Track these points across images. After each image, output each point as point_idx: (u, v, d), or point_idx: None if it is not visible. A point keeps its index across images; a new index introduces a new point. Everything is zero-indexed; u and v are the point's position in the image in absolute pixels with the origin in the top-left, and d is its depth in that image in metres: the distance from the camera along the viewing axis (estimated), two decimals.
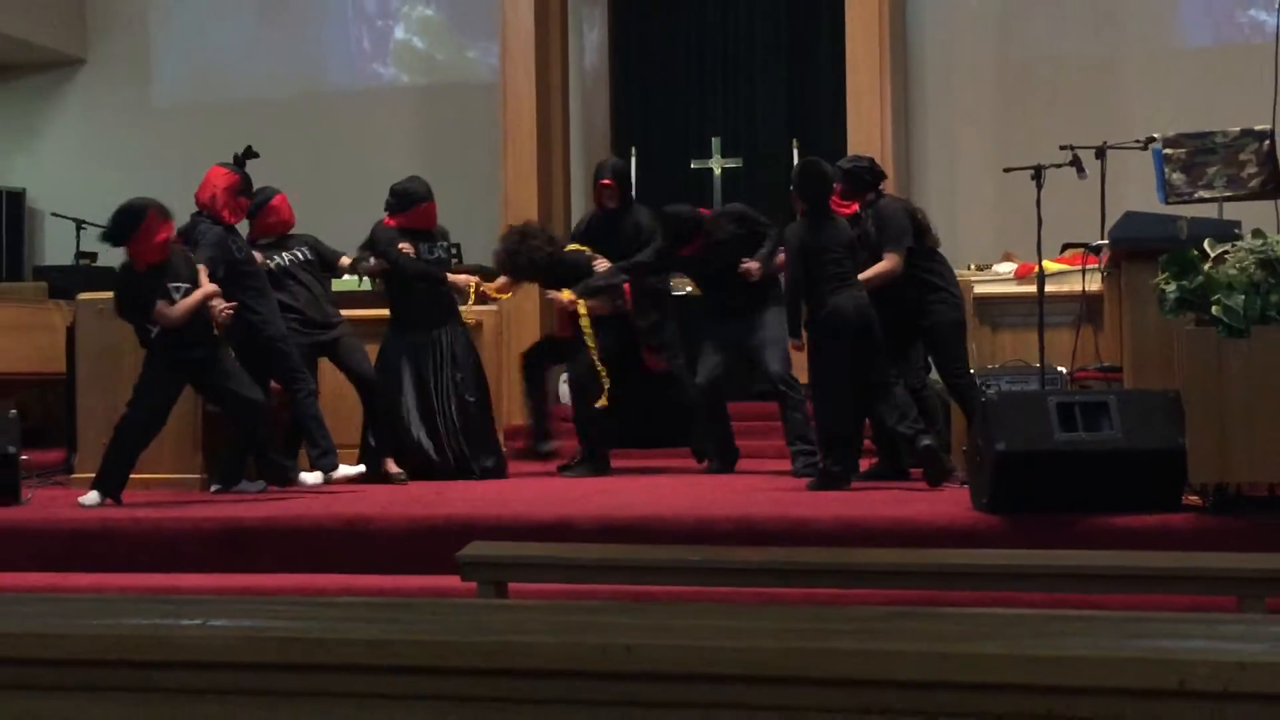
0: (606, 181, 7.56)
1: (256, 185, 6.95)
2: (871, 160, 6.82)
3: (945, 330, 6.41)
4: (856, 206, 6.59)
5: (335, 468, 6.42)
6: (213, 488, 6.55)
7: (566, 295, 7.18)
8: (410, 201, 7.18)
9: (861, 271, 6.33)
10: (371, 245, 7.15)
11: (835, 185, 6.53)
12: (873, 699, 1.55)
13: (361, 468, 6.71)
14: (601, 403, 7.09)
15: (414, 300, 7.14)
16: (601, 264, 7.24)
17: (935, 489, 5.94)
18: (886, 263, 6.37)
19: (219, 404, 6.30)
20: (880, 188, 6.65)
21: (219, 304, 6.16)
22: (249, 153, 6.70)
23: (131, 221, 6.02)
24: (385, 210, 7.23)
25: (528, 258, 7.21)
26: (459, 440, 7.10)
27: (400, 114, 11.75)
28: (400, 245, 7.07)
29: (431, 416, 7.09)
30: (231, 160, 6.69)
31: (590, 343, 7.11)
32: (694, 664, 1.59)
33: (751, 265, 6.99)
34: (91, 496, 5.93)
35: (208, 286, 6.14)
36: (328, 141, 11.62)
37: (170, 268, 6.08)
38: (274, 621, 1.82)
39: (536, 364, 7.53)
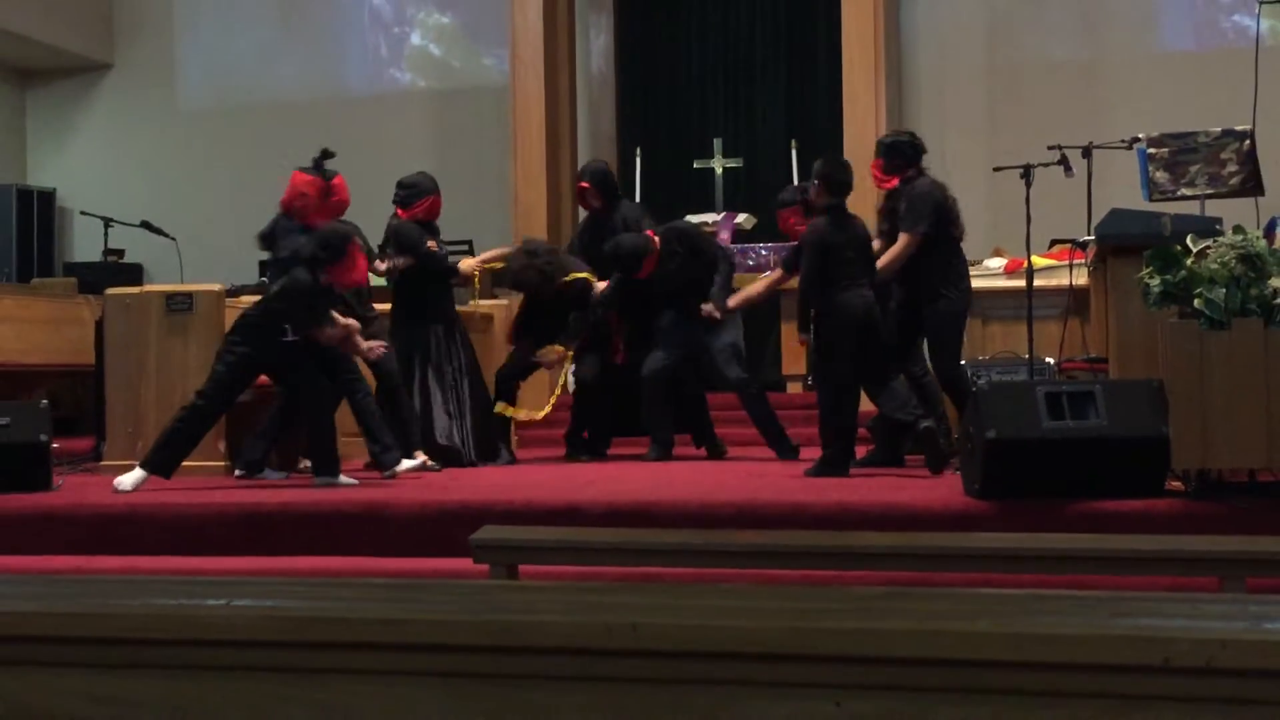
0: (583, 184, 7.74)
1: (277, 186, 7.08)
2: (912, 135, 6.78)
3: (948, 321, 6.45)
4: (896, 181, 6.56)
5: (398, 463, 6.46)
6: (236, 473, 6.64)
7: (556, 352, 7.40)
8: (420, 194, 7.32)
9: (875, 264, 6.36)
10: (398, 242, 7.24)
11: (875, 160, 6.55)
12: (870, 675, 1.56)
13: (421, 459, 6.69)
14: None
15: (429, 294, 7.26)
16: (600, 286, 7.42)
17: (936, 476, 6.01)
18: (900, 243, 6.42)
19: (293, 394, 6.43)
20: (920, 166, 6.62)
21: (369, 343, 6.45)
22: (326, 154, 6.75)
23: (342, 244, 6.27)
24: (395, 204, 7.33)
25: (538, 272, 7.32)
26: (481, 429, 7.26)
27: (414, 117, 11.89)
28: (429, 242, 7.22)
29: (453, 407, 7.22)
30: (311, 164, 6.74)
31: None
32: (698, 642, 1.60)
33: (708, 309, 7.14)
34: (133, 476, 5.99)
35: (353, 324, 6.39)
36: (345, 144, 11.65)
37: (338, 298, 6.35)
38: (294, 601, 1.82)
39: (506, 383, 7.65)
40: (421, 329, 7.27)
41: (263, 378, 6.49)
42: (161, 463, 6.08)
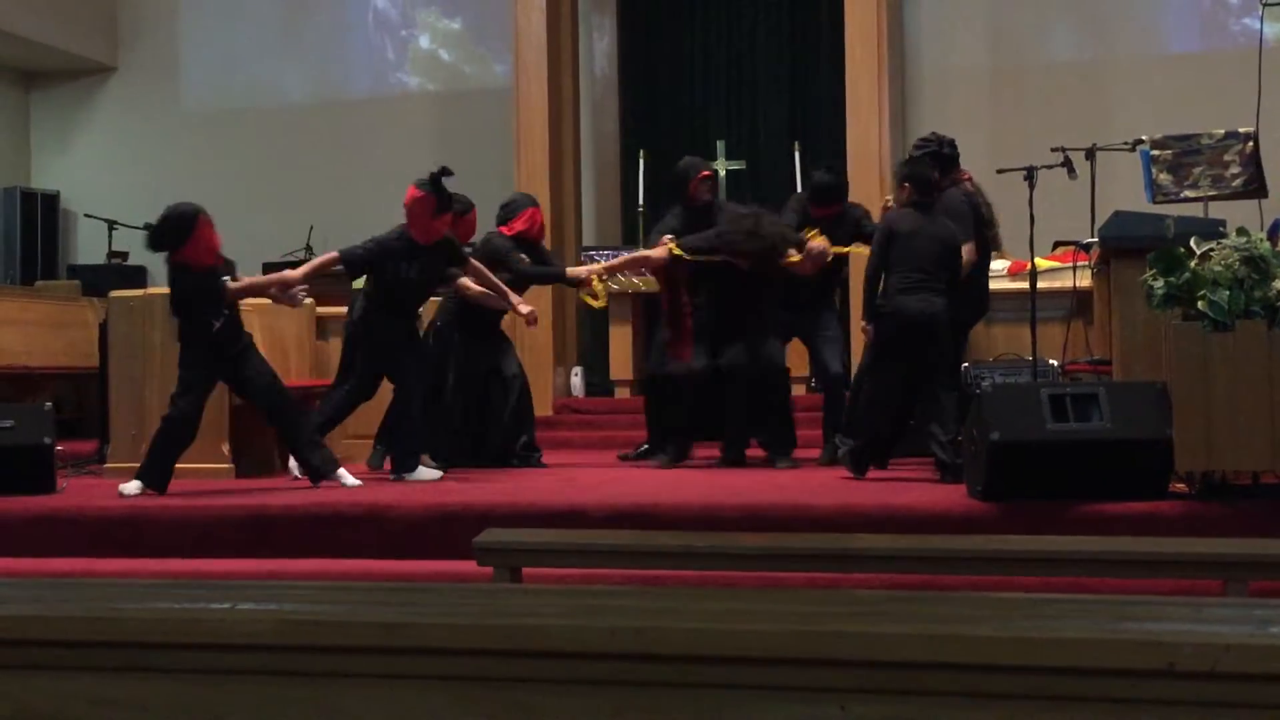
0: (705, 173, 7.49)
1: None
2: (938, 139, 6.65)
3: (957, 329, 6.45)
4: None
5: (414, 469, 6.45)
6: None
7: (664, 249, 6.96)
8: (516, 210, 7.41)
9: (953, 278, 6.17)
10: (493, 255, 7.20)
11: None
12: (874, 679, 1.56)
13: (440, 473, 6.61)
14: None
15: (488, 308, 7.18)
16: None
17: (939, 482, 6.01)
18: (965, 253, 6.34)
19: (246, 393, 6.35)
20: (955, 175, 6.55)
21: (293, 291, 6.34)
22: (444, 172, 6.63)
23: (185, 226, 6.14)
24: (498, 221, 7.41)
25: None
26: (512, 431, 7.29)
27: (417, 119, 11.90)
28: (520, 256, 7.26)
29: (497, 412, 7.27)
30: (427, 180, 6.62)
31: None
32: (701, 646, 1.61)
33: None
34: (132, 486, 5.99)
35: (282, 275, 6.32)
36: (349, 146, 11.79)
37: (221, 271, 6.22)
38: (298, 605, 1.83)
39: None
40: (480, 340, 7.27)
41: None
42: (155, 478, 6.05)
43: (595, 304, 7.49)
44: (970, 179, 6.71)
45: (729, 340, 6.92)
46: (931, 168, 6.36)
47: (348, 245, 6.85)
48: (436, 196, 6.52)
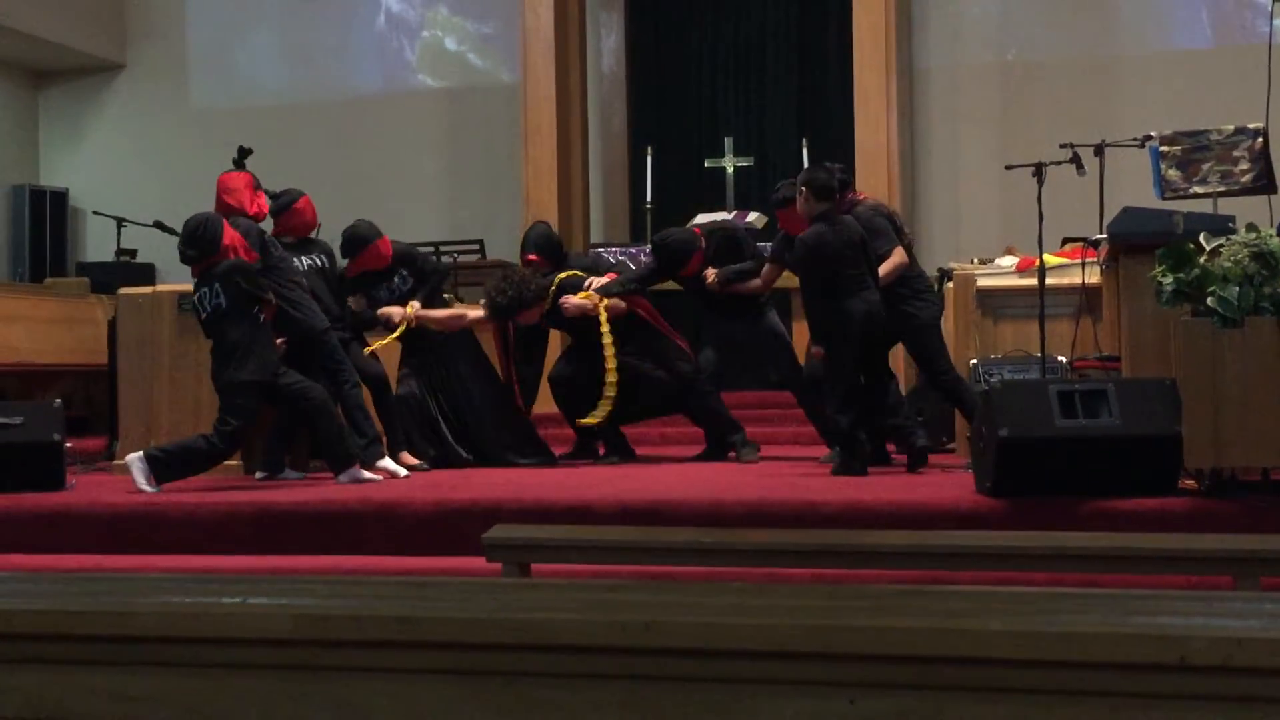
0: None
1: (290, 186, 7.12)
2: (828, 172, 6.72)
3: (929, 329, 6.65)
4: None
5: (381, 456, 6.49)
6: (258, 474, 6.64)
7: (585, 296, 7.20)
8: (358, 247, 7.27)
9: (873, 263, 6.37)
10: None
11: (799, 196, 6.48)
12: (884, 673, 1.55)
13: (405, 471, 6.66)
14: (594, 419, 7.14)
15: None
16: (596, 281, 7.28)
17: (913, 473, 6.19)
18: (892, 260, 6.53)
19: (284, 403, 6.41)
20: (853, 195, 6.81)
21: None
22: (245, 151, 6.77)
23: (216, 228, 6.25)
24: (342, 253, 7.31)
25: (513, 296, 7.16)
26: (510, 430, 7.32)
27: (426, 116, 11.92)
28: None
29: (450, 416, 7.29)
30: (232, 163, 6.74)
31: (608, 346, 7.10)
32: (710, 640, 1.60)
33: (710, 273, 7.18)
34: (138, 470, 6.00)
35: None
36: (356, 142, 11.80)
37: None
38: (309, 599, 1.83)
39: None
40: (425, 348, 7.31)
41: None
42: (168, 476, 6.07)
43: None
44: (866, 196, 7.01)
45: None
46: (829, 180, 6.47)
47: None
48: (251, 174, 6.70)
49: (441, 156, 11.53)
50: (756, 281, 7.22)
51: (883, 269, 6.45)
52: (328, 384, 6.52)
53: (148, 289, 7.47)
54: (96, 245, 12.23)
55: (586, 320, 7.23)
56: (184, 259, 6.29)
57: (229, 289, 6.14)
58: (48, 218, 12.24)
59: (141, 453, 6.10)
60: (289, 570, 4.98)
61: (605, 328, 7.14)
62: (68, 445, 6.37)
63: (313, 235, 7.27)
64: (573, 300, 7.22)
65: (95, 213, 11.40)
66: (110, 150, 12.68)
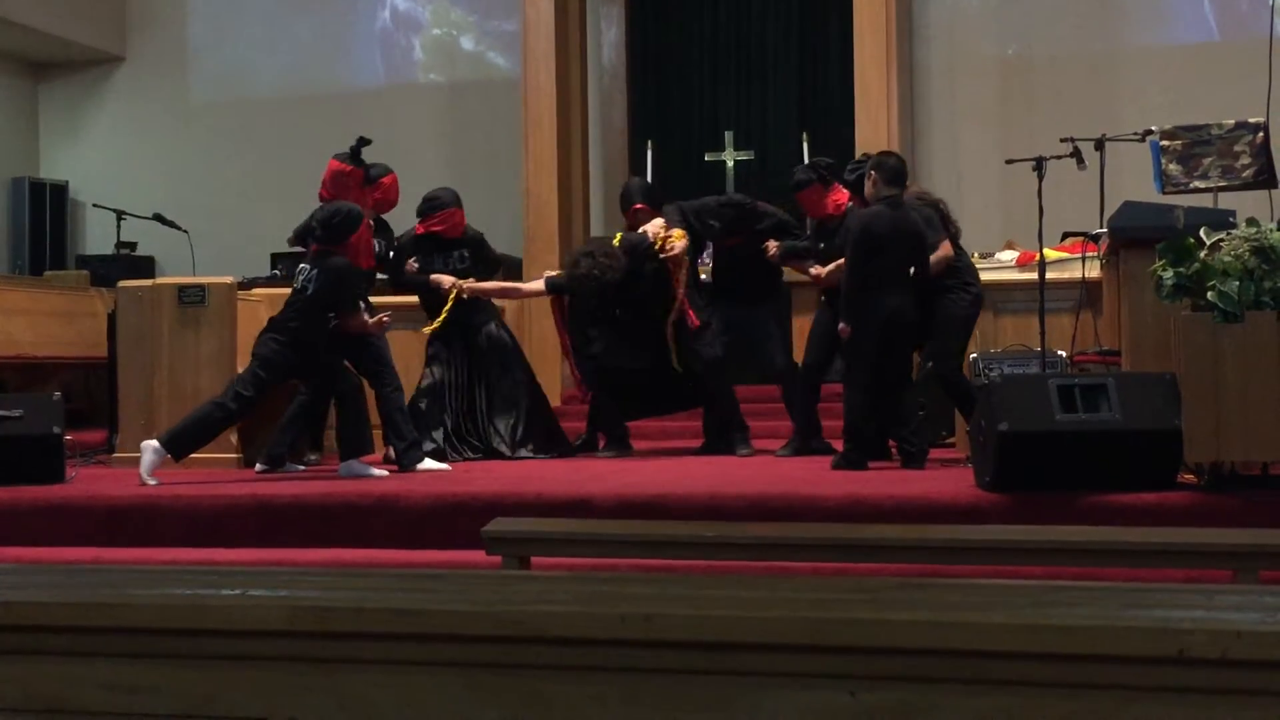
0: (638, 206, 7.57)
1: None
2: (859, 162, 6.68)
3: (967, 323, 6.53)
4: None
5: (421, 459, 6.49)
6: (258, 467, 6.64)
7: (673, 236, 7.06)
8: (437, 208, 7.40)
9: (918, 271, 6.23)
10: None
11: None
12: (884, 666, 1.56)
13: (448, 465, 6.69)
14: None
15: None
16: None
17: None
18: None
19: (321, 388, 6.47)
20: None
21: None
22: (362, 141, 6.68)
23: (355, 220, 6.29)
24: (417, 215, 7.37)
25: (591, 275, 7.10)
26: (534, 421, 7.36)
27: (426, 109, 11.91)
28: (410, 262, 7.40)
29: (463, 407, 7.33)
30: (347, 153, 6.69)
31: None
32: (710, 632, 1.60)
33: (770, 245, 7.16)
34: (151, 453, 6.01)
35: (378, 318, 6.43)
36: (358, 135, 11.78)
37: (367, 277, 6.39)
38: (309, 592, 1.83)
39: None
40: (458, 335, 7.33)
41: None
42: (179, 448, 6.11)
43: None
44: (911, 185, 6.75)
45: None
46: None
47: None
48: (361, 168, 6.68)
49: (442, 150, 11.51)
50: (816, 268, 7.05)
51: (932, 259, 6.34)
52: (371, 384, 6.57)
53: (148, 282, 7.48)
54: (96, 238, 12.22)
55: (657, 292, 7.16)
56: (310, 235, 6.34)
57: (322, 285, 6.21)
58: (47, 210, 12.24)
59: (156, 440, 6.09)
60: (289, 563, 4.99)
61: (682, 274, 7.11)
62: (67, 438, 6.37)
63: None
64: (670, 241, 7.07)
65: (95, 205, 11.40)
66: (110, 143, 12.67)
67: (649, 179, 10.54)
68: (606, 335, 7.33)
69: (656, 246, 7.09)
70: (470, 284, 7.29)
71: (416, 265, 7.34)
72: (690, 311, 7.19)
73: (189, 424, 6.16)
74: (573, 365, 7.42)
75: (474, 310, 7.37)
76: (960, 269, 6.49)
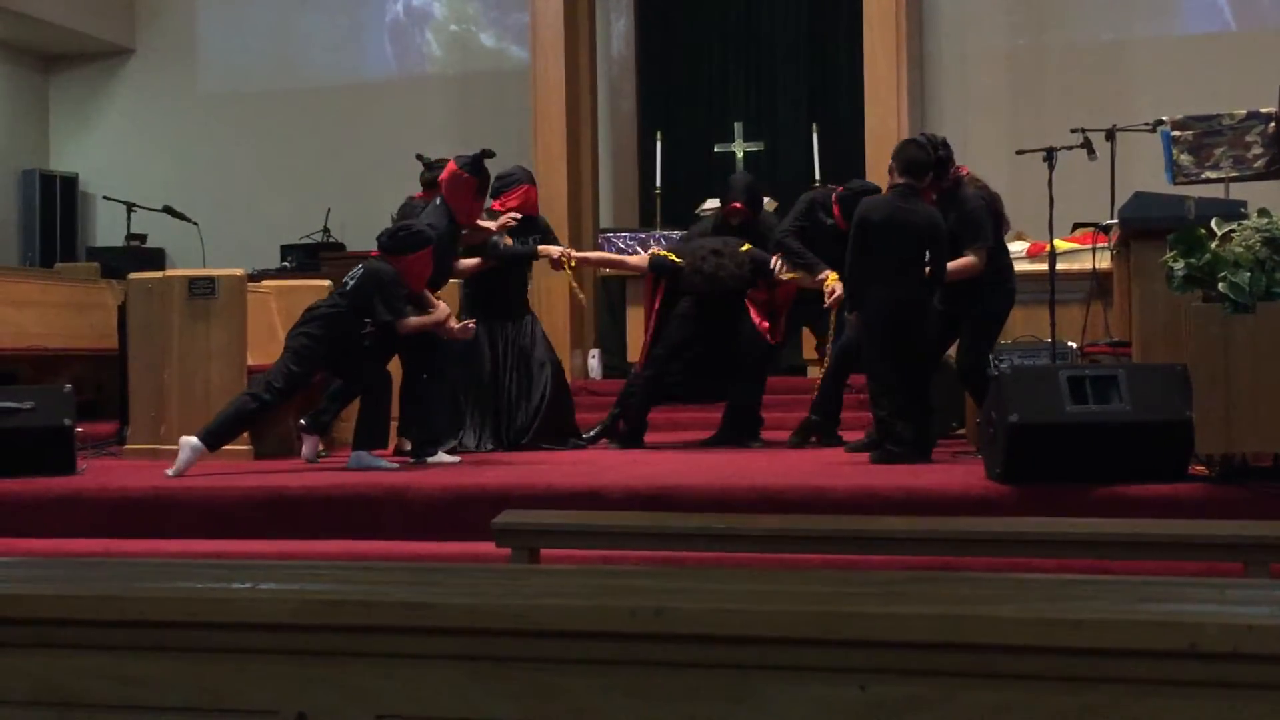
0: (736, 205, 7.44)
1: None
2: (930, 142, 6.36)
3: (991, 319, 6.40)
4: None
5: (435, 454, 6.48)
6: (302, 421, 6.64)
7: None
8: (511, 184, 7.39)
9: (931, 265, 6.08)
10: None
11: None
12: (895, 659, 1.55)
13: (458, 458, 6.65)
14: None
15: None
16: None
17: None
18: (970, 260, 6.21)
19: (352, 380, 6.48)
20: (955, 172, 6.35)
21: (456, 324, 6.44)
22: (486, 153, 6.65)
23: (420, 243, 6.29)
24: (491, 194, 7.26)
25: (709, 274, 7.09)
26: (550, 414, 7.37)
27: (435, 100, 11.93)
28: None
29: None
30: (469, 159, 6.64)
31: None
32: (721, 626, 1.60)
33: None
34: (189, 450, 6.00)
35: (443, 311, 6.40)
36: (366, 127, 11.81)
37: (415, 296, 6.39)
38: (319, 585, 1.83)
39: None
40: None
41: None
42: (216, 441, 6.16)
43: (576, 290, 7.59)
44: (968, 171, 6.47)
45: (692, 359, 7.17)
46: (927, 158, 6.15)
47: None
48: (479, 178, 6.60)
49: (451, 141, 11.46)
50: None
51: (953, 265, 6.14)
52: (418, 370, 6.59)
53: (158, 274, 7.48)
54: (106, 230, 12.26)
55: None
56: (379, 241, 6.37)
57: (360, 284, 6.26)
58: (58, 202, 12.28)
59: (196, 437, 6.09)
60: (299, 555, 4.98)
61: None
62: (78, 430, 6.38)
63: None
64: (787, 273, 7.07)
65: (105, 198, 11.43)
66: (120, 135, 12.70)
67: (657, 171, 10.54)
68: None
69: (776, 275, 7.10)
70: (578, 253, 7.34)
71: (509, 241, 7.28)
72: (770, 324, 7.20)
73: (225, 418, 6.20)
74: (647, 342, 7.38)
75: (516, 300, 7.35)
76: (1001, 266, 6.33)
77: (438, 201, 6.71)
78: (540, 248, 7.38)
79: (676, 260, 7.22)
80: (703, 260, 7.07)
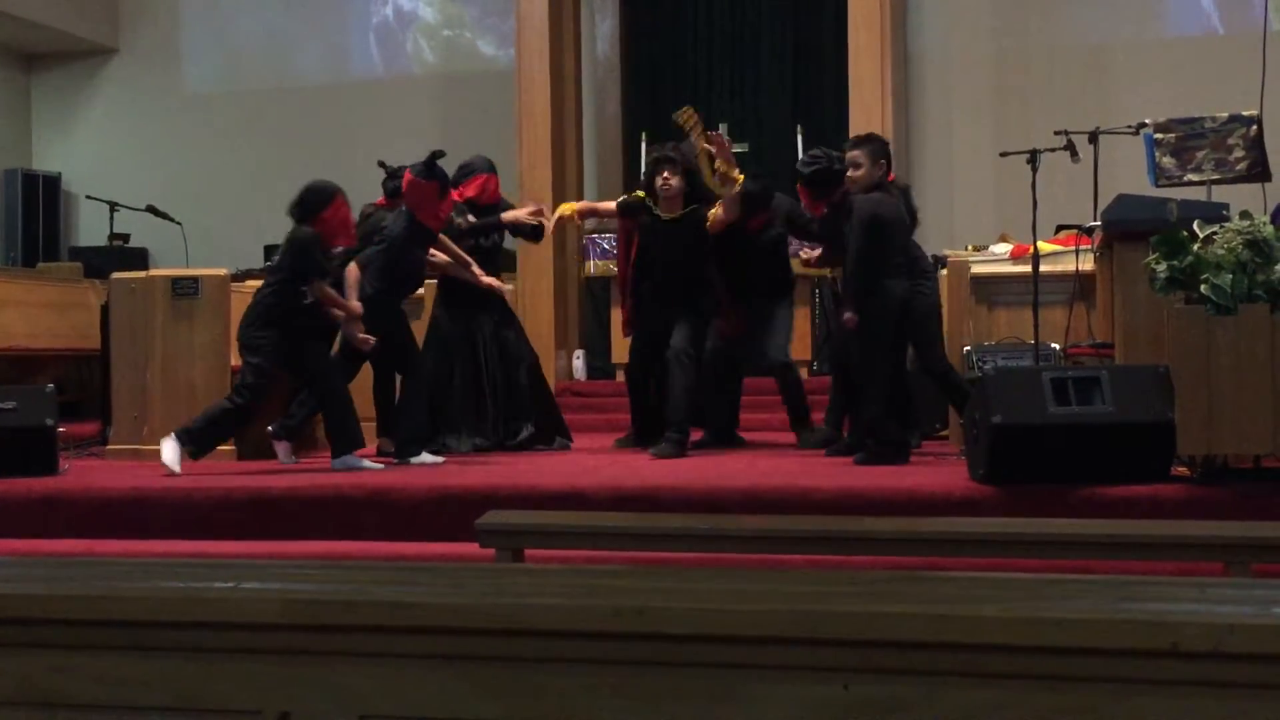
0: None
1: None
2: (826, 155, 6.59)
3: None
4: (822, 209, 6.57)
5: (418, 455, 6.48)
6: (270, 428, 6.62)
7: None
8: (470, 173, 7.41)
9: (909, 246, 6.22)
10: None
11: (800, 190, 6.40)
12: (878, 658, 1.55)
13: (442, 459, 6.65)
14: None
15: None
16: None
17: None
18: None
19: (299, 370, 6.45)
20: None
21: (359, 330, 6.37)
22: (436, 154, 6.61)
23: (324, 197, 6.30)
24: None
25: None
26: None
27: (421, 100, 11.91)
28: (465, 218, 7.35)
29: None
30: (421, 166, 6.60)
31: None
32: (704, 625, 1.60)
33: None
34: (171, 452, 6.01)
35: (354, 309, 6.37)
36: (351, 128, 11.78)
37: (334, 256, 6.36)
38: (303, 584, 1.83)
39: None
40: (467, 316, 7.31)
41: None
42: (200, 444, 6.15)
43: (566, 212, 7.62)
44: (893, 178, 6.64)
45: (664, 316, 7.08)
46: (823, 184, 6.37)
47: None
48: (439, 181, 6.56)
49: (437, 141, 11.40)
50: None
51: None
52: (399, 370, 6.59)
53: (141, 274, 7.46)
54: (89, 230, 12.20)
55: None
56: (289, 213, 6.39)
57: (284, 254, 6.29)
58: (40, 202, 12.23)
59: (173, 434, 6.10)
60: (282, 555, 4.95)
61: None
62: (60, 430, 6.36)
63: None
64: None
65: (88, 197, 11.37)
66: (103, 134, 12.65)
67: (641, 171, 10.52)
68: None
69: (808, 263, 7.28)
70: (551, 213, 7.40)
71: (471, 219, 7.28)
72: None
73: (203, 421, 6.19)
74: (626, 310, 7.40)
75: (487, 299, 7.33)
76: (917, 259, 6.41)
77: (403, 209, 6.69)
78: (504, 215, 7.36)
79: (641, 194, 7.26)
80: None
